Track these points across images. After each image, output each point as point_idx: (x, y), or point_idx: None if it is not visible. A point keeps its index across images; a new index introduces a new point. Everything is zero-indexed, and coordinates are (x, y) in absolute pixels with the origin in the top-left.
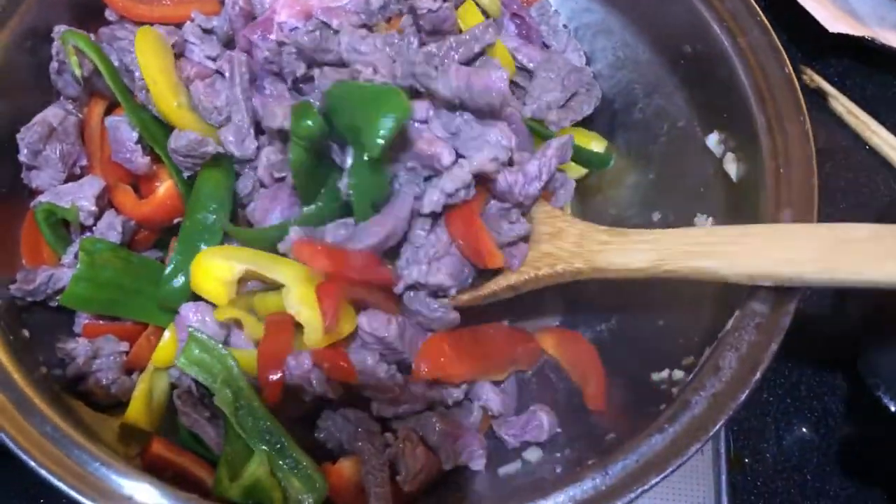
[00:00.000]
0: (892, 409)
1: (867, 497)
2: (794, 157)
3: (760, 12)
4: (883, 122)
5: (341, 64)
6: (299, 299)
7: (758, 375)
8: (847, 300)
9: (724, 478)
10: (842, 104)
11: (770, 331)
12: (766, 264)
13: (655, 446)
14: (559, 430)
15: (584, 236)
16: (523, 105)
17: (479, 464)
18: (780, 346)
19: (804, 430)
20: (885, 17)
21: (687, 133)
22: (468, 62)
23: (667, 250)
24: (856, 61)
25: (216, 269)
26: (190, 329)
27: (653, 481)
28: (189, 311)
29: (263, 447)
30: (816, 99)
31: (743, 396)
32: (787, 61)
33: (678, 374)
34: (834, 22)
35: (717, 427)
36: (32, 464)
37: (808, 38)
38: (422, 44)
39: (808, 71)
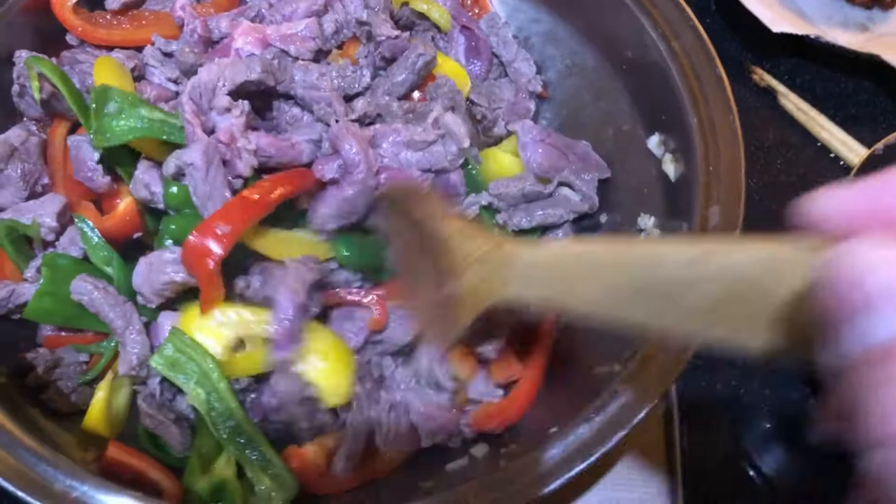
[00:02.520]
0: None
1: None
2: (724, 156)
3: (693, 17)
4: (832, 118)
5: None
6: None
7: (682, 367)
8: None
9: (678, 464)
10: (791, 101)
11: None
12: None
13: (583, 435)
14: None
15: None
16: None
17: (455, 442)
18: None
19: (760, 419)
20: (832, 16)
21: (631, 136)
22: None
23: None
24: (804, 60)
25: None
26: (172, 327)
27: (579, 468)
28: (167, 320)
29: (235, 447)
30: (767, 97)
31: (670, 383)
32: (719, 63)
33: (617, 367)
34: (777, 21)
35: (642, 414)
36: None
37: (758, 39)
38: (375, 74)
39: (759, 70)
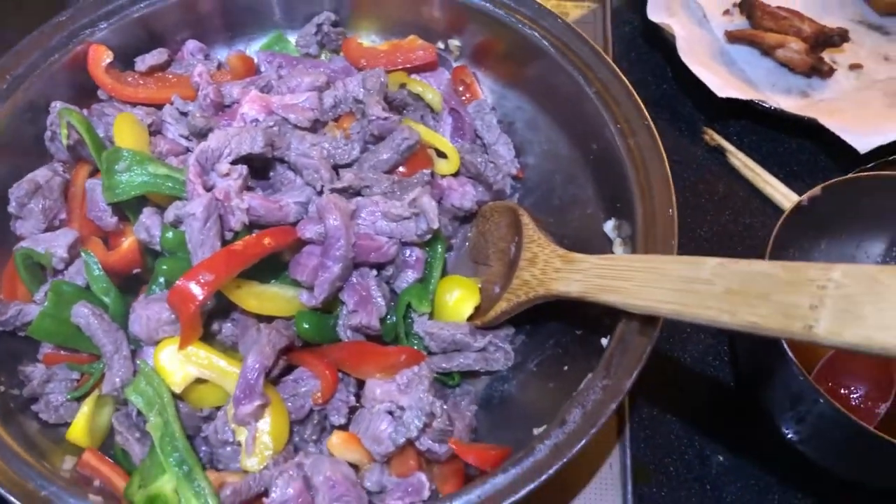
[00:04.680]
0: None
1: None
2: (659, 241)
3: (648, 117)
4: (776, 174)
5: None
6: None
7: (594, 430)
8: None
9: (629, 488)
10: (739, 159)
11: (613, 392)
12: (640, 302)
13: (498, 485)
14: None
15: (547, 263)
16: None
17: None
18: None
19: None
20: (776, 83)
21: (593, 219)
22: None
23: (589, 282)
24: (751, 121)
25: (169, 374)
26: (140, 363)
27: None
28: (152, 349)
29: (176, 469)
30: (717, 155)
31: (579, 446)
32: (666, 161)
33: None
34: (725, 87)
35: (553, 470)
36: None
37: (710, 102)
38: (364, 148)
39: (710, 131)
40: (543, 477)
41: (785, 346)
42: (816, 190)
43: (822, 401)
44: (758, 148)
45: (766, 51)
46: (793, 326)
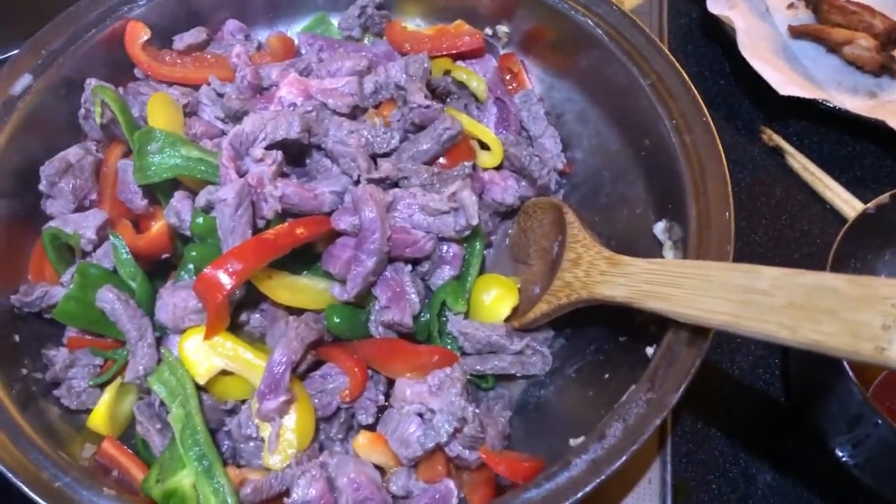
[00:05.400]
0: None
1: None
2: (713, 246)
3: (706, 112)
4: (837, 179)
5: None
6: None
7: (635, 447)
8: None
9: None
10: (798, 161)
11: (657, 407)
12: (690, 311)
13: (530, 500)
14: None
15: (591, 265)
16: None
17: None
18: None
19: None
20: (842, 81)
21: (642, 219)
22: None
23: (636, 287)
24: (813, 122)
25: (193, 364)
26: (164, 351)
27: None
28: (177, 337)
29: (195, 464)
30: (775, 156)
31: (618, 463)
32: (724, 161)
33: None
34: (786, 85)
35: (590, 488)
36: None
37: (770, 101)
38: (404, 137)
39: (768, 131)
40: (579, 494)
41: (844, 362)
42: (884, 197)
43: (881, 423)
44: (818, 150)
45: (833, 47)
46: (862, 347)
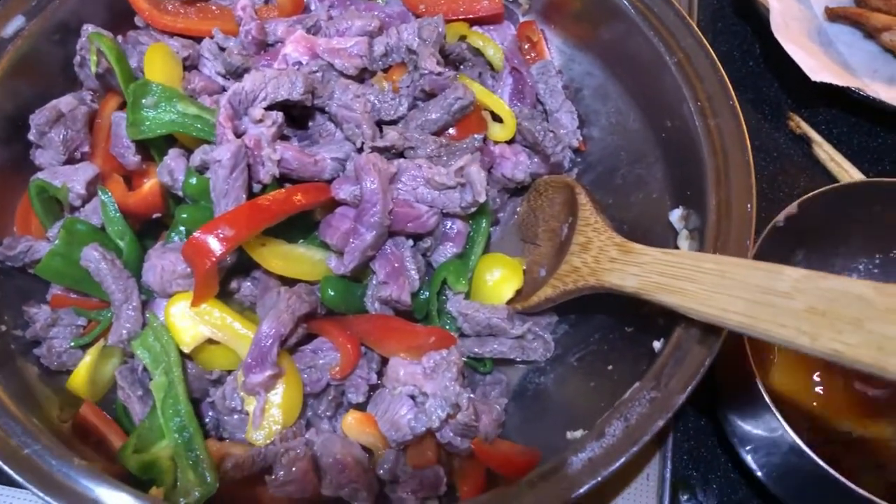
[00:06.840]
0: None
1: None
2: (732, 240)
3: (733, 96)
4: (866, 172)
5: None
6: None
7: (635, 448)
8: None
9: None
10: (825, 151)
11: (661, 407)
12: (703, 308)
13: (521, 500)
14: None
15: (602, 250)
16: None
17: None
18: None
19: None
20: (878, 70)
21: (658, 205)
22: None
23: (647, 278)
24: (844, 111)
25: (179, 331)
26: (150, 316)
27: None
28: (164, 301)
29: (175, 435)
30: (801, 144)
31: (617, 464)
32: (749, 149)
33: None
34: (819, 71)
35: (585, 490)
36: None
37: (800, 86)
38: (412, 105)
39: (796, 117)
40: (573, 496)
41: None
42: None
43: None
44: (848, 141)
45: (871, 33)
46: (889, 363)
